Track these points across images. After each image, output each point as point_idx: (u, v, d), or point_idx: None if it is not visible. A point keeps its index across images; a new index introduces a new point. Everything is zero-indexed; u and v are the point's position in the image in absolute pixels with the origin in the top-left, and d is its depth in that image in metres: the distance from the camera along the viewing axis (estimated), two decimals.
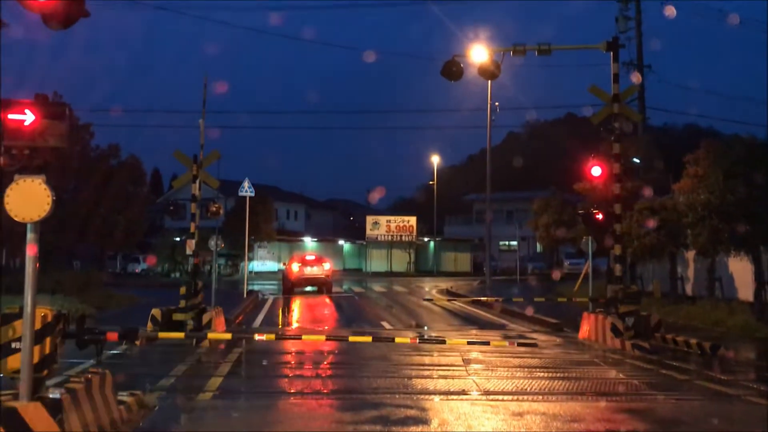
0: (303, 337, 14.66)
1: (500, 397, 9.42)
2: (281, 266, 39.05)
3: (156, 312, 15.04)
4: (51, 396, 6.19)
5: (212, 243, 22.23)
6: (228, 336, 13.98)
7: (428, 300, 28.55)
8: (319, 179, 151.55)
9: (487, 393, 9.67)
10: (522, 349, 13.88)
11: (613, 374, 11.73)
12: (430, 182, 64.10)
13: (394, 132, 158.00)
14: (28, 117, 6.28)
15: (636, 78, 22.71)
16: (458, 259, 59.69)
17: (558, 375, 11.46)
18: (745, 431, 8.41)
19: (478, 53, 16.43)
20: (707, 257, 20.87)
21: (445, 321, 21.50)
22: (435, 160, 62.63)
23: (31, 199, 6.03)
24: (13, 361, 6.26)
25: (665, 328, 14.99)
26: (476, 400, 9.27)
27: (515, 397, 9.42)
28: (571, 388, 10.30)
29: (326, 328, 19.56)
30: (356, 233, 65.23)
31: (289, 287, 31.98)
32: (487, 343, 14.01)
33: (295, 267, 32.34)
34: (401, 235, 58.12)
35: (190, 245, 16.65)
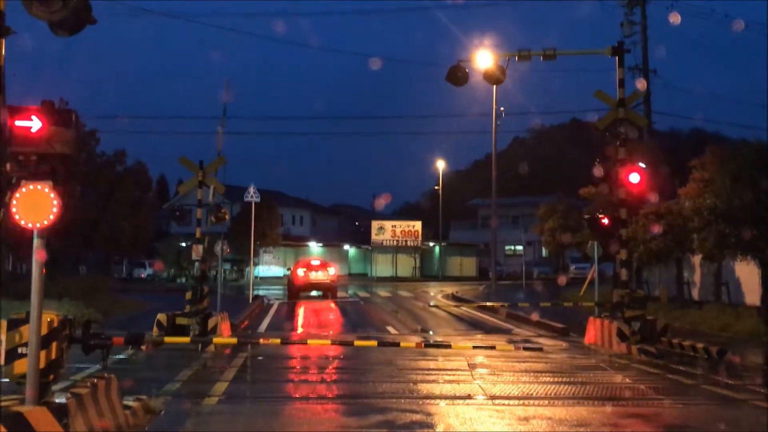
0: (308, 341, 14.66)
1: (506, 401, 9.40)
2: (287, 271, 39.06)
3: (162, 317, 15.07)
4: (57, 401, 6.21)
5: (218, 248, 22.27)
6: (233, 341, 14.01)
7: (434, 306, 28.50)
8: (324, 184, 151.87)
9: (492, 398, 9.65)
10: (528, 353, 13.86)
11: (619, 379, 11.69)
12: (436, 187, 64.11)
13: (400, 137, 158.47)
14: (35, 124, 6.31)
15: (641, 85, 22.66)
16: (464, 263, 59.64)
17: (564, 380, 11.43)
18: None
19: (483, 58, 16.45)
20: (714, 262, 20.81)
21: (451, 326, 21.47)
22: (440, 165, 62.64)
23: (37, 205, 6.06)
24: (20, 366, 6.29)
25: (672, 332, 14.95)
26: (482, 404, 9.25)
27: (521, 402, 9.40)
28: (577, 392, 10.28)
29: (331, 332, 19.55)
30: (361, 238, 65.22)
31: (295, 292, 32.01)
32: (493, 348, 14.01)
33: (301, 272, 32.38)
34: (406, 240, 58.10)
35: (197, 250, 16.69)
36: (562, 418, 8.39)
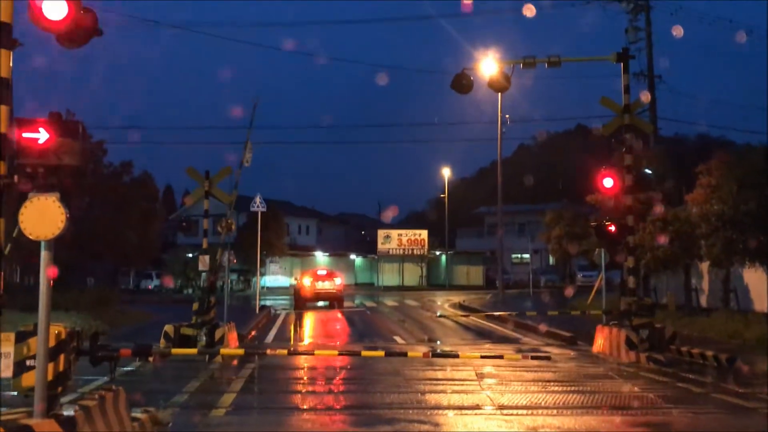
0: (315, 352, 14.64)
1: (514, 411, 9.36)
2: (293, 281, 39.10)
3: (169, 328, 15.07)
4: (65, 413, 6.20)
5: (224, 258, 22.26)
6: (241, 352, 14.00)
7: (441, 316, 28.42)
8: (330, 193, 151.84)
9: (501, 407, 9.60)
10: (536, 362, 13.79)
11: (628, 388, 11.61)
12: (441, 195, 64.05)
13: (405, 146, 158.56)
14: (42, 135, 6.33)
15: (645, 97, 22.68)
16: (470, 272, 59.51)
17: (572, 389, 11.37)
18: None
19: (488, 66, 16.47)
20: (722, 268, 20.71)
21: (458, 335, 21.40)
22: (446, 173, 62.62)
23: (45, 217, 6.07)
24: (28, 379, 6.29)
25: (680, 340, 14.86)
26: (490, 414, 9.20)
27: (530, 412, 9.35)
28: (585, 402, 10.22)
29: (338, 343, 19.52)
30: (368, 247, 65.20)
31: (301, 302, 32.00)
32: (501, 357, 13.96)
33: (307, 282, 32.38)
34: (413, 249, 58.04)
35: (204, 261, 16.69)
36: (571, 428, 8.34)
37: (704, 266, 23.29)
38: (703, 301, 24.05)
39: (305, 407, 10.25)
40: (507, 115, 39.12)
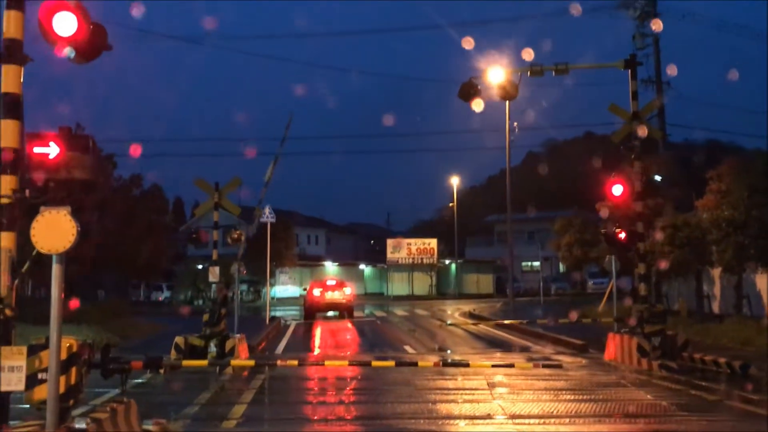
0: (326, 362, 14.61)
1: (526, 420, 9.30)
2: (303, 291, 39.09)
3: (179, 340, 15.10)
4: (77, 426, 6.22)
5: (234, 269, 22.32)
6: (251, 363, 13.99)
7: (451, 324, 28.33)
8: (339, 203, 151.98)
9: (513, 417, 9.55)
10: (547, 371, 13.72)
11: (640, 396, 11.53)
12: (450, 204, 64.00)
13: (414, 154, 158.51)
14: (53, 150, 6.38)
15: (655, 104, 22.66)
16: (480, 280, 59.35)
17: (584, 397, 11.29)
18: None
19: (495, 74, 16.44)
20: (733, 274, 20.58)
21: (469, 344, 21.32)
22: (455, 181, 62.58)
23: (56, 230, 6.10)
24: (40, 392, 6.31)
25: (693, 347, 14.74)
26: (502, 424, 9.15)
27: (542, 421, 9.30)
28: (598, 410, 10.14)
29: (348, 353, 19.48)
30: (377, 257, 65.15)
31: (311, 312, 31.99)
32: (512, 366, 13.88)
33: (317, 292, 32.37)
34: (422, 258, 57.96)
35: (214, 272, 16.72)
36: None
37: (716, 272, 23.16)
38: (715, 307, 23.89)
39: (316, 418, 10.23)
40: (515, 123, 39.09)
